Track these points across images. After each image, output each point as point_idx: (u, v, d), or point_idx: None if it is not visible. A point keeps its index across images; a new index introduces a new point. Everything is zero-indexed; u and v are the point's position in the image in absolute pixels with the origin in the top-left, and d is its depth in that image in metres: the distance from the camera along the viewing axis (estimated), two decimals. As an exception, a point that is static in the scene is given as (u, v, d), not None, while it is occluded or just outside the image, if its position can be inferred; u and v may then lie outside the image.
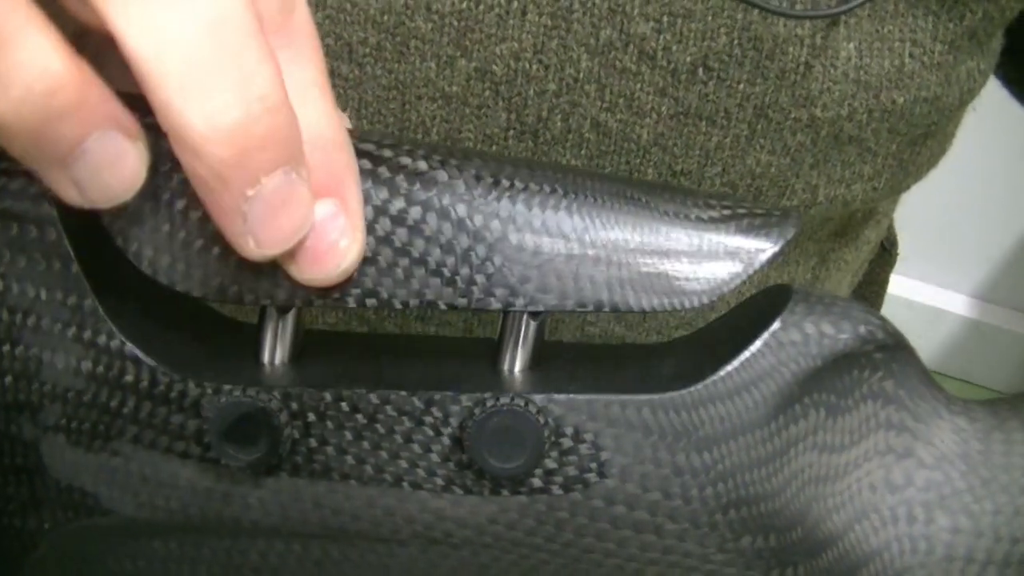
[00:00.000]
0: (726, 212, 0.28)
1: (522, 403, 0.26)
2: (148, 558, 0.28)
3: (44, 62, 0.21)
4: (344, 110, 0.39)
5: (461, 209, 0.26)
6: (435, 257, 0.26)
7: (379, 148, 0.26)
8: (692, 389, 0.27)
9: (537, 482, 0.27)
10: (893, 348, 0.29)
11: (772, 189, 0.40)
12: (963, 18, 0.39)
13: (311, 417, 0.27)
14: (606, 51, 0.37)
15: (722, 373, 0.27)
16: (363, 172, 0.26)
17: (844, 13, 0.36)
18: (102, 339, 0.26)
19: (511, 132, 0.39)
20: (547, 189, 0.27)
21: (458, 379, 0.28)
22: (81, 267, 0.26)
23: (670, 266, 0.27)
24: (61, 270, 0.26)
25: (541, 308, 0.27)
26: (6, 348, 0.27)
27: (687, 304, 0.27)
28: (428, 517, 0.27)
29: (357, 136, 0.27)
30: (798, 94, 0.38)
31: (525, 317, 0.28)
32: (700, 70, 0.37)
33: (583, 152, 0.39)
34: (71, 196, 0.23)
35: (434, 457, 0.27)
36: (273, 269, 0.26)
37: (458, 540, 0.28)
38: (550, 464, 0.27)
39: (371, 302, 0.26)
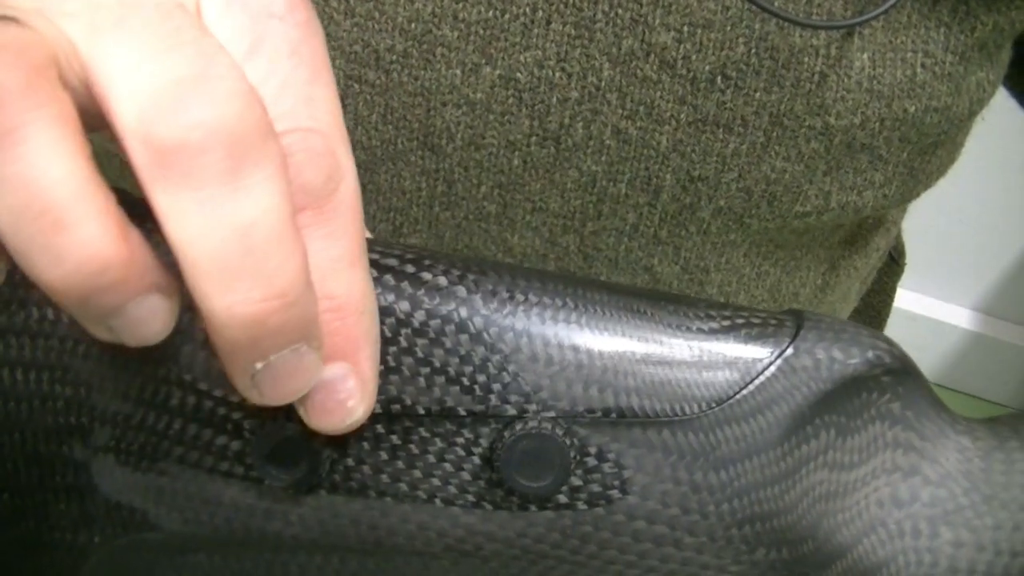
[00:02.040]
0: (725, 323, 0.29)
1: (549, 426, 0.28)
2: (192, 570, 0.30)
3: (99, 245, 0.22)
4: (370, 116, 0.40)
5: (478, 322, 0.28)
6: (454, 367, 0.28)
7: (402, 263, 0.28)
8: (710, 412, 0.29)
9: (563, 498, 0.29)
10: (900, 371, 0.30)
11: (786, 195, 0.41)
12: (974, 30, 0.40)
13: (348, 438, 0.28)
14: (628, 60, 0.38)
15: (738, 396, 0.29)
16: (387, 287, 0.28)
17: (859, 24, 0.38)
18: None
19: (533, 138, 0.40)
20: (558, 303, 0.28)
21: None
22: None
23: (673, 375, 0.28)
24: None
25: (553, 414, 0.28)
26: (58, 374, 0.28)
27: (688, 411, 0.28)
28: (459, 531, 0.29)
29: (381, 249, 0.28)
30: (813, 103, 0.39)
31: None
32: (718, 79, 0.39)
33: (603, 158, 0.40)
34: (103, 336, 0.24)
35: (465, 475, 0.28)
36: None
37: (488, 553, 0.29)
38: (575, 481, 0.29)
39: (395, 408, 0.28)
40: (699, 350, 0.29)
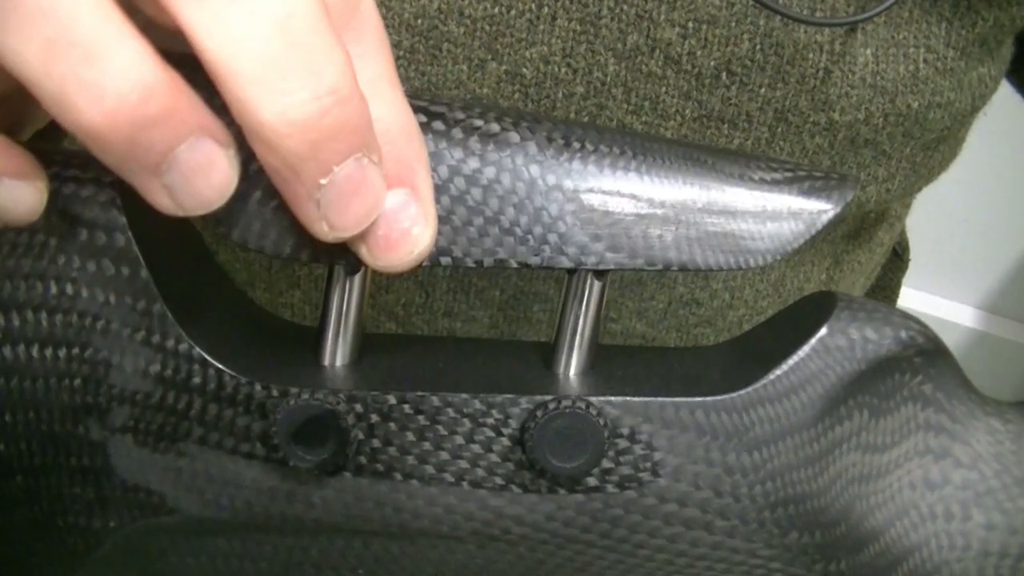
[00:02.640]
0: (788, 175, 0.28)
1: (583, 405, 0.27)
2: (210, 555, 0.29)
3: (138, 71, 0.21)
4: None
5: (534, 170, 0.27)
6: (508, 216, 0.27)
7: (451, 111, 0.27)
8: (743, 392, 0.28)
9: (593, 481, 0.28)
10: (932, 353, 0.30)
11: None
12: (975, 25, 0.40)
13: (375, 419, 0.27)
14: (633, 55, 0.38)
15: (772, 377, 0.28)
16: (437, 133, 0.26)
17: (863, 21, 0.38)
18: (170, 343, 0.27)
19: None
20: (616, 151, 0.27)
21: (515, 381, 0.28)
22: (150, 273, 0.27)
23: (736, 226, 0.27)
24: (130, 275, 0.27)
25: (612, 266, 0.27)
26: (75, 351, 0.27)
27: (752, 263, 0.28)
28: (487, 515, 0.28)
29: (429, 99, 0.27)
30: (817, 98, 0.39)
31: (589, 279, 0.28)
32: (723, 74, 0.39)
33: None
34: (164, 204, 0.23)
35: (494, 457, 0.28)
36: None
37: (515, 537, 0.29)
38: (606, 464, 0.28)
39: (445, 260, 0.27)
40: (762, 200, 0.28)
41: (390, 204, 0.25)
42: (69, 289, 0.27)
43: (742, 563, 0.29)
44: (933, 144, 0.43)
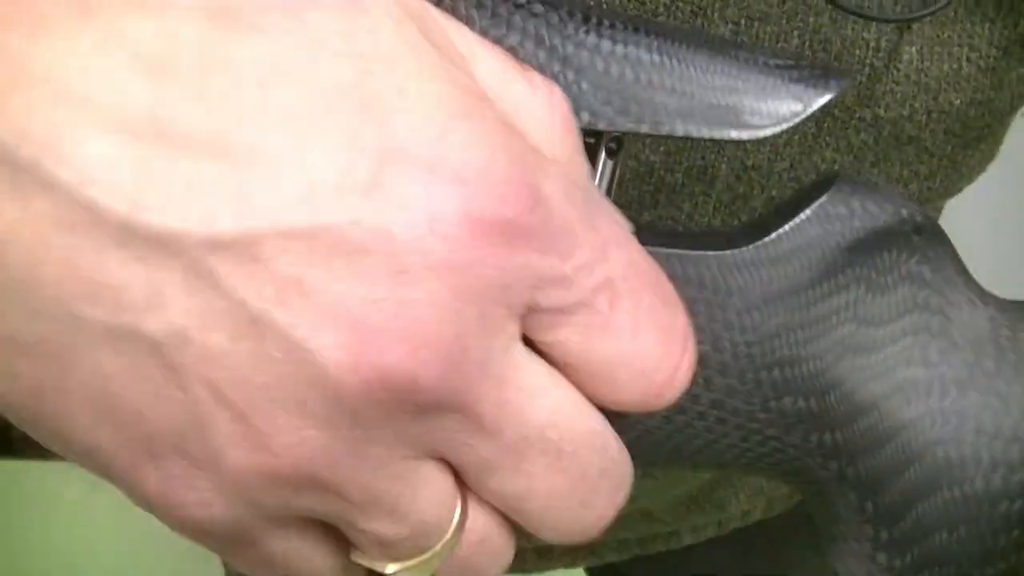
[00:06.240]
0: (790, 62, 0.30)
1: None
2: None
3: None
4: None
5: (555, 38, 0.28)
6: None
7: None
8: (744, 249, 0.30)
9: None
10: (931, 234, 0.32)
11: None
12: (1016, 25, 0.41)
13: None
14: None
15: (773, 236, 0.30)
16: (470, 2, 0.28)
17: (916, 20, 0.39)
18: None
19: None
20: (630, 27, 0.29)
21: None
22: None
23: (737, 100, 0.29)
24: None
25: (619, 129, 0.29)
26: None
27: (749, 136, 0.29)
28: None
29: None
30: (863, 94, 0.41)
31: (602, 159, 0.30)
32: None
33: (661, 148, 0.41)
34: None
35: None
36: None
37: None
38: None
39: None
40: (764, 80, 0.30)
41: None
42: None
43: (740, 427, 0.30)
44: (973, 143, 0.45)
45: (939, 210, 0.56)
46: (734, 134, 0.29)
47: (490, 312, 0.23)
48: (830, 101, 0.30)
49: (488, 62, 0.26)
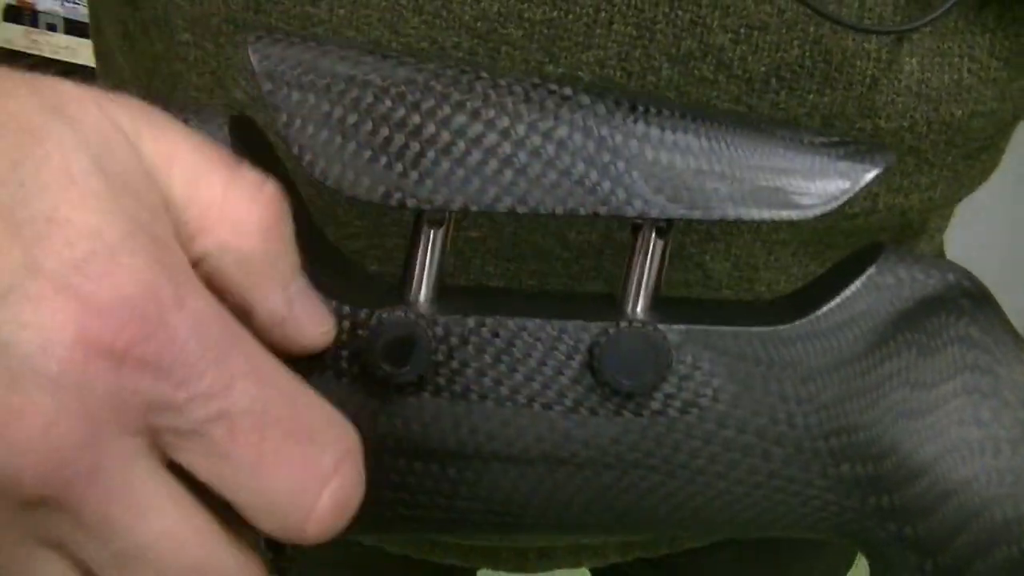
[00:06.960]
0: (834, 139, 0.31)
1: (651, 327, 0.29)
2: None
3: None
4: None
5: (603, 129, 0.29)
6: (579, 170, 0.29)
7: (528, 79, 0.30)
8: (797, 323, 0.31)
9: (656, 404, 0.30)
10: (977, 296, 0.32)
11: None
12: (1018, 35, 0.41)
13: (454, 341, 0.30)
14: (686, 60, 0.40)
15: (824, 310, 0.31)
16: (516, 96, 0.29)
17: (913, 30, 0.39)
18: None
19: None
20: (677, 114, 0.30)
21: (585, 312, 0.30)
22: None
23: (786, 182, 0.30)
24: None
25: (672, 216, 0.30)
26: None
27: (799, 216, 0.30)
28: (556, 437, 0.30)
29: (512, 76, 0.30)
30: (864, 105, 0.41)
31: (652, 239, 0.31)
32: (773, 80, 0.40)
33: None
34: None
35: (564, 380, 0.30)
36: (432, 171, 0.29)
37: (582, 460, 0.30)
38: (668, 388, 0.30)
39: (522, 209, 0.29)
40: (811, 160, 0.30)
41: None
42: None
43: (799, 493, 0.31)
44: (975, 153, 0.45)
45: (946, 219, 0.55)
46: (785, 214, 0.30)
47: (101, 429, 0.24)
48: (877, 177, 0.31)
49: (183, 165, 0.26)
